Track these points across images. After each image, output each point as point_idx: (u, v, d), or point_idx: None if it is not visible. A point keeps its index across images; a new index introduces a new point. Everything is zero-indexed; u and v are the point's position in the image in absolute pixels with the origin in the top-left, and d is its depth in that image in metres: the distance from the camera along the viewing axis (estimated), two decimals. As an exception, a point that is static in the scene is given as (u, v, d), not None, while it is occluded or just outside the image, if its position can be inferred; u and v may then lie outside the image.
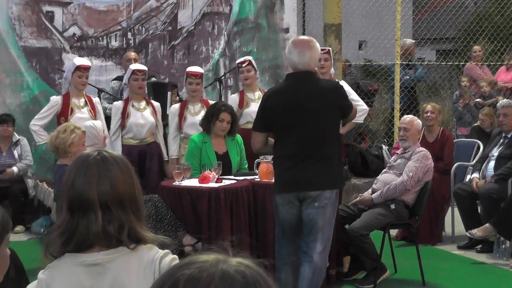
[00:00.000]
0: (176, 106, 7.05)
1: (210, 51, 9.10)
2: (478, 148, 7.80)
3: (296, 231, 4.88)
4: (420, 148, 6.25)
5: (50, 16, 8.44)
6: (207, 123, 6.30)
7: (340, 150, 4.97)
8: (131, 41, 8.80)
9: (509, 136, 7.21)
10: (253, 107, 6.62)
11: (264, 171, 5.67)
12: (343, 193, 7.21)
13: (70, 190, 2.14)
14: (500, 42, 12.58)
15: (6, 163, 7.92)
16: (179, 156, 6.86)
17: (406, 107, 9.94)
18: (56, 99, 7.02)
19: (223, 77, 8.60)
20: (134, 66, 7.02)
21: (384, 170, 6.44)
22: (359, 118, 7.09)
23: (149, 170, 6.86)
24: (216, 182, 5.69)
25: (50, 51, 8.42)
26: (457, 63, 12.16)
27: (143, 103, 6.99)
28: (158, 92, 7.51)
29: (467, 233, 6.76)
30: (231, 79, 9.12)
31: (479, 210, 7.16)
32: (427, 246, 7.00)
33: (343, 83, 7.18)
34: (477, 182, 7.01)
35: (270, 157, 5.47)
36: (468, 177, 7.47)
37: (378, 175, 6.43)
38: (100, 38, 8.67)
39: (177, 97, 7.80)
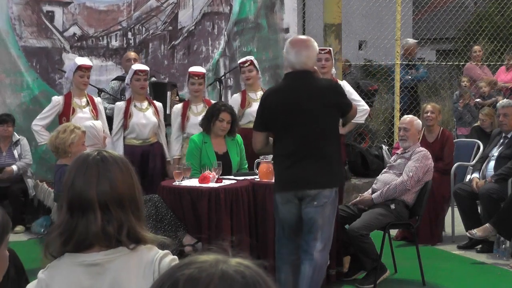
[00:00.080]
0: (179, 106, 7.05)
1: (210, 51, 9.10)
2: (478, 148, 7.80)
3: (296, 230, 4.89)
4: (420, 148, 6.25)
5: (50, 16, 8.44)
6: (207, 123, 6.31)
7: (340, 149, 4.96)
8: (131, 41, 8.80)
9: (509, 136, 7.21)
10: (255, 107, 6.60)
11: (264, 171, 5.68)
12: (343, 193, 7.24)
13: (70, 190, 2.15)
14: (500, 42, 12.59)
15: (6, 163, 7.92)
16: (181, 156, 6.86)
17: (406, 107, 9.94)
18: (57, 99, 7.02)
19: (223, 77, 8.60)
20: (136, 66, 7.02)
21: (384, 170, 6.44)
22: (360, 119, 7.09)
23: (153, 170, 6.86)
24: (216, 182, 5.69)
25: (50, 51, 8.42)
26: (457, 63, 12.16)
27: (145, 103, 7.00)
28: (157, 92, 7.51)
29: (467, 233, 6.76)
30: (231, 79, 9.12)
31: (479, 210, 7.16)
32: (427, 246, 7.00)
33: (344, 83, 7.19)
34: (477, 182, 7.01)
35: (270, 157, 5.48)
36: (468, 177, 7.47)
37: (378, 175, 6.43)
38: (101, 38, 8.67)
39: (177, 97, 7.80)
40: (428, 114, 7.51)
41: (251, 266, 1.15)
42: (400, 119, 7.24)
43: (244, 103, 7.08)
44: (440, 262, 6.59)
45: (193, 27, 9.05)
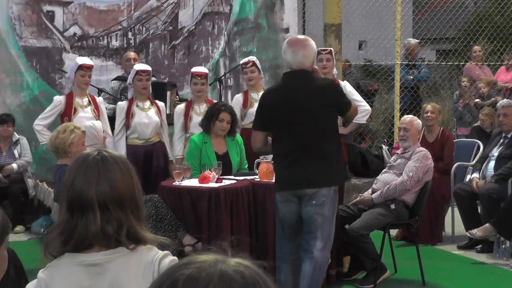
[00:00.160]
0: (182, 106, 7.05)
1: (210, 51, 9.10)
2: (478, 148, 7.80)
3: (296, 230, 4.89)
4: (420, 148, 6.25)
5: (51, 16, 8.44)
6: (207, 123, 6.31)
7: (339, 148, 4.96)
8: (132, 41, 8.81)
9: (509, 136, 7.21)
10: (257, 107, 6.63)
11: (264, 171, 5.68)
12: (344, 193, 7.24)
13: (70, 189, 2.15)
14: (500, 42, 12.59)
15: (6, 163, 7.93)
16: (184, 156, 6.85)
17: (406, 107, 9.94)
18: (59, 99, 7.02)
19: (223, 77, 8.60)
20: (138, 66, 7.01)
21: (384, 170, 6.44)
22: (362, 119, 7.10)
23: (156, 170, 6.86)
24: (216, 182, 5.69)
25: (51, 51, 8.42)
26: (457, 63, 12.17)
27: (148, 103, 6.99)
28: (157, 91, 7.51)
29: (467, 233, 6.76)
30: (231, 79, 9.13)
31: (479, 210, 7.16)
32: (427, 246, 7.00)
33: (345, 83, 7.19)
34: (477, 182, 7.01)
35: (270, 157, 5.48)
36: (468, 177, 7.47)
37: (378, 175, 6.43)
38: (101, 38, 8.67)
39: (177, 97, 7.80)
40: (428, 114, 7.51)
41: (251, 266, 1.15)
42: (400, 119, 7.24)
43: (246, 104, 7.08)
44: (440, 262, 6.59)
45: (193, 27, 9.05)
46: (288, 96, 4.79)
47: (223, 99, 8.21)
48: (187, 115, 6.92)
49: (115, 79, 8.06)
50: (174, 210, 5.55)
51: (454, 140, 7.79)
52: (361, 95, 7.79)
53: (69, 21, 8.51)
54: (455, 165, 7.47)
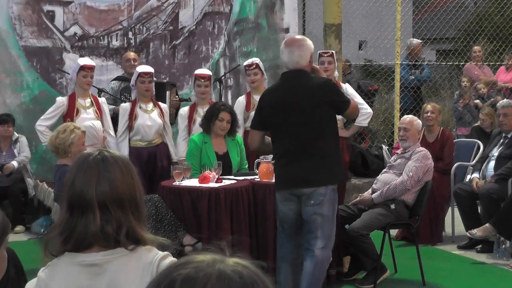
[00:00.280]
0: (186, 109, 7.05)
1: (210, 51, 9.10)
2: (478, 148, 7.80)
3: (296, 229, 4.90)
4: (420, 148, 6.25)
5: (51, 16, 8.44)
6: (207, 123, 6.30)
7: (338, 147, 4.96)
8: (132, 41, 8.80)
9: (509, 136, 7.21)
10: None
11: (264, 171, 5.68)
12: (345, 192, 7.24)
13: (70, 189, 2.15)
14: (500, 42, 12.59)
15: (7, 162, 7.93)
16: None
17: (407, 106, 9.93)
18: (61, 100, 7.02)
19: (223, 77, 8.60)
20: (141, 68, 6.98)
21: (384, 170, 6.45)
22: (363, 122, 7.12)
23: (161, 171, 6.86)
24: (216, 182, 5.69)
25: (51, 50, 8.42)
26: (457, 63, 12.17)
27: (151, 105, 6.99)
28: (157, 91, 7.50)
29: (467, 233, 6.77)
30: (231, 79, 9.12)
31: (479, 210, 7.16)
32: (427, 246, 7.01)
33: (347, 85, 7.20)
34: (477, 182, 7.02)
35: (270, 157, 5.49)
36: (468, 177, 7.47)
37: (378, 175, 6.43)
38: (101, 38, 8.66)
39: (176, 97, 7.80)
40: (428, 114, 7.52)
41: (249, 266, 1.14)
42: (400, 119, 7.25)
43: (249, 106, 7.05)
44: (440, 262, 6.59)
45: (194, 27, 9.05)
46: (285, 96, 4.82)
47: (223, 99, 8.20)
48: (191, 118, 6.92)
49: (115, 79, 8.06)
50: (174, 210, 5.55)
51: (454, 140, 7.80)
52: (361, 95, 7.80)
53: (69, 20, 8.51)
54: (455, 165, 7.48)
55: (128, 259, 2.11)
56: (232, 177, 6.01)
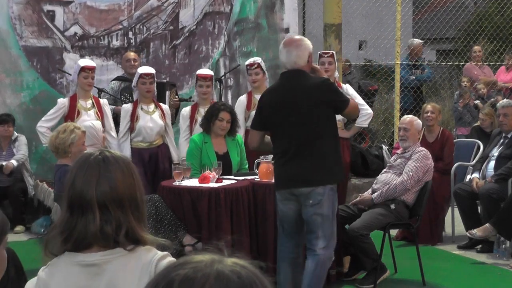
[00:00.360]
0: (187, 108, 7.05)
1: (210, 51, 9.10)
2: (478, 148, 7.80)
3: (296, 228, 4.91)
4: (420, 148, 6.25)
5: (51, 15, 8.44)
6: (207, 123, 6.31)
7: (337, 147, 4.95)
8: (132, 41, 8.80)
9: (509, 136, 7.21)
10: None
11: (264, 171, 5.68)
12: (346, 192, 7.24)
13: (70, 189, 2.15)
14: (500, 42, 12.59)
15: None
16: None
17: (407, 106, 9.94)
18: (63, 101, 7.02)
19: (223, 77, 8.60)
20: (142, 69, 6.97)
21: (384, 170, 6.45)
22: (364, 123, 7.11)
23: (163, 172, 6.86)
24: (216, 182, 5.69)
25: (51, 50, 8.42)
26: (457, 63, 12.17)
27: (152, 106, 6.98)
28: (157, 92, 7.51)
29: (467, 233, 6.77)
30: (231, 79, 9.12)
31: (479, 210, 7.16)
32: (427, 246, 7.01)
33: (347, 86, 7.20)
34: (477, 182, 7.02)
35: (270, 157, 5.49)
36: (468, 177, 7.47)
37: (378, 175, 6.43)
38: (102, 38, 8.66)
39: (176, 97, 7.80)
40: (428, 114, 7.52)
41: (247, 266, 1.14)
42: (400, 119, 7.25)
43: (250, 105, 7.04)
44: (440, 262, 6.59)
45: (194, 27, 9.05)
46: (284, 96, 4.83)
47: (223, 99, 8.20)
48: (192, 118, 6.92)
49: (115, 79, 8.06)
50: (174, 210, 5.55)
51: (454, 140, 7.80)
52: (361, 95, 7.80)
53: (69, 20, 8.51)
54: (455, 165, 7.48)
55: (127, 259, 2.11)
56: (232, 177, 6.01)
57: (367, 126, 7.60)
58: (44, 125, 6.96)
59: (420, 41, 10.77)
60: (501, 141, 7.27)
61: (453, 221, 7.42)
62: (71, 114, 6.91)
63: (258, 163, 5.92)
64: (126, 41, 8.76)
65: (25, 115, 8.15)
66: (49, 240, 2.16)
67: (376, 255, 5.76)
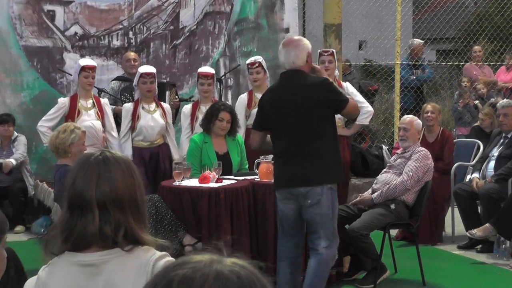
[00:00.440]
0: (188, 106, 7.05)
1: (210, 51, 9.10)
2: (478, 148, 7.80)
3: (296, 228, 4.91)
4: (420, 148, 6.25)
5: (51, 15, 8.44)
6: (207, 123, 6.31)
7: (336, 146, 4.95)
8: (133, 40, 8.80)
9: (509, 136, 7.21)
10: (262, 107, 6.61)
11: (264, 171, 5.68)
12: (347, 192, 7.24)
13: (71, 189, 2.15)
14: (500, 42, 12.59)
15: (6, 162, 7.94)
16: None
17: (407, 106, 9.93)
18: (63, 101, 7.01)
19: (223, 77, 8.59)
20: (143, 69, 6.97)
21: (384, 170, 6.45)
22: (364, 121, 7.11)
23: (164, 171, 6.86)
24: (216, 182, 5.69)
25: (51, 50, 8.42)
26: (457, 63, 12.17)
27: (153, 105, 6.98)
28: (157, 92, 7.51)
29: (467, 233, 6.77)
30: (231, 79, 9.12)
31: (479, 210, 7.16)
32: (427, 246, 7.01)
33: (347, 84, 7.19)
34: (477, 182, 7.02)
35: (270, 157, 5.49)
36: (468, 177, 7.48)
37: (378, 175, 6.43)
38: (102, 37, 8.66)
39: (176, 97, 7.80)
40: (428, 114, 7.52)
41: (246, 266, 1.14)
42: (400, 119, 7.25)
43: (250, 104, 7.04)
44: (440, 262, 6.59)
45: (194, 27, 9.05)
46: (284, 96, 4.85)
47: (223, 99, 8.20)
48: (193, 116, 6.92)
49: (115, 79, 8.05)
50: (174, 210, 5.55)
51: (454, 140, 7.80)
52: (361, 95, 7.79)
53: (70, 20, 8.51)
54: (455, 165, 7.48)
55: (125, 260, 2.11)
56: (232, 177, 6.01)
57: (367, 123, 7.59)
58: (44, 125, 6.96)
59: (421, 41, 10.77)
60: (501, 141, 7.27)
61: (453, 221, 7.42)
62: (72, 113, 6.91)
63: (258, 163, 5.92)
64: (126, 41, 8.76)
65: (25, 115, 8.15)
66: (49, 239, 2.17)
67: (376, 255, 5.76)
